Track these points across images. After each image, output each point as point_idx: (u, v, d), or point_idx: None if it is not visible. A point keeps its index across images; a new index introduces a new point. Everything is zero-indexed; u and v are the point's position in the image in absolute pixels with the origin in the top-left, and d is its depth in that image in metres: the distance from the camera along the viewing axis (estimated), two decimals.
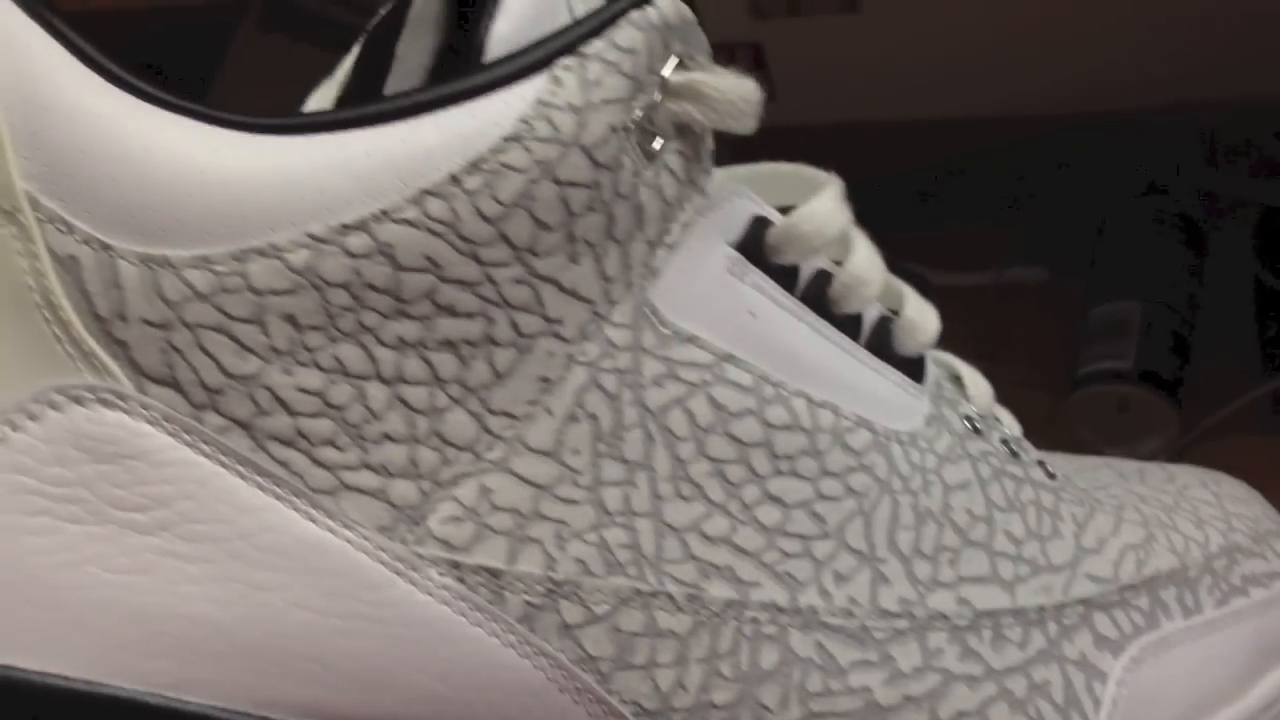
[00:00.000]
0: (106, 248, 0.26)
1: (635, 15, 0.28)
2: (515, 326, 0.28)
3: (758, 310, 0.30)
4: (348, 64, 0.32)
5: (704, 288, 0.29)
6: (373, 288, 0.27)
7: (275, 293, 0.26)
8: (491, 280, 0.27)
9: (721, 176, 0.31)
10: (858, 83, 0.56)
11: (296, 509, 0.27)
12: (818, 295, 0.31)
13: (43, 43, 0.26)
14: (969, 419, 0.33)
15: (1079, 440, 0.50)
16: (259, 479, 0.27)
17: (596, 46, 0.28)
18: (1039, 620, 0.32)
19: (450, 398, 0.27)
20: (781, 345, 0.30)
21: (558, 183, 0.27)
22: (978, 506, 0.32)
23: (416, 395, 0.27)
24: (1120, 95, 0.55)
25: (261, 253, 0.26)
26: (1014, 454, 0.34)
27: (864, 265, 0.32)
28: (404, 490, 0.28)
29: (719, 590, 0.29)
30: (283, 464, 0.27)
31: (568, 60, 0.27)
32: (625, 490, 0.29)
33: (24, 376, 0.26)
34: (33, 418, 0.27)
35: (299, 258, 0.26)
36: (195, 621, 0.27)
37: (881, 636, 0.30)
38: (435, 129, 0.27)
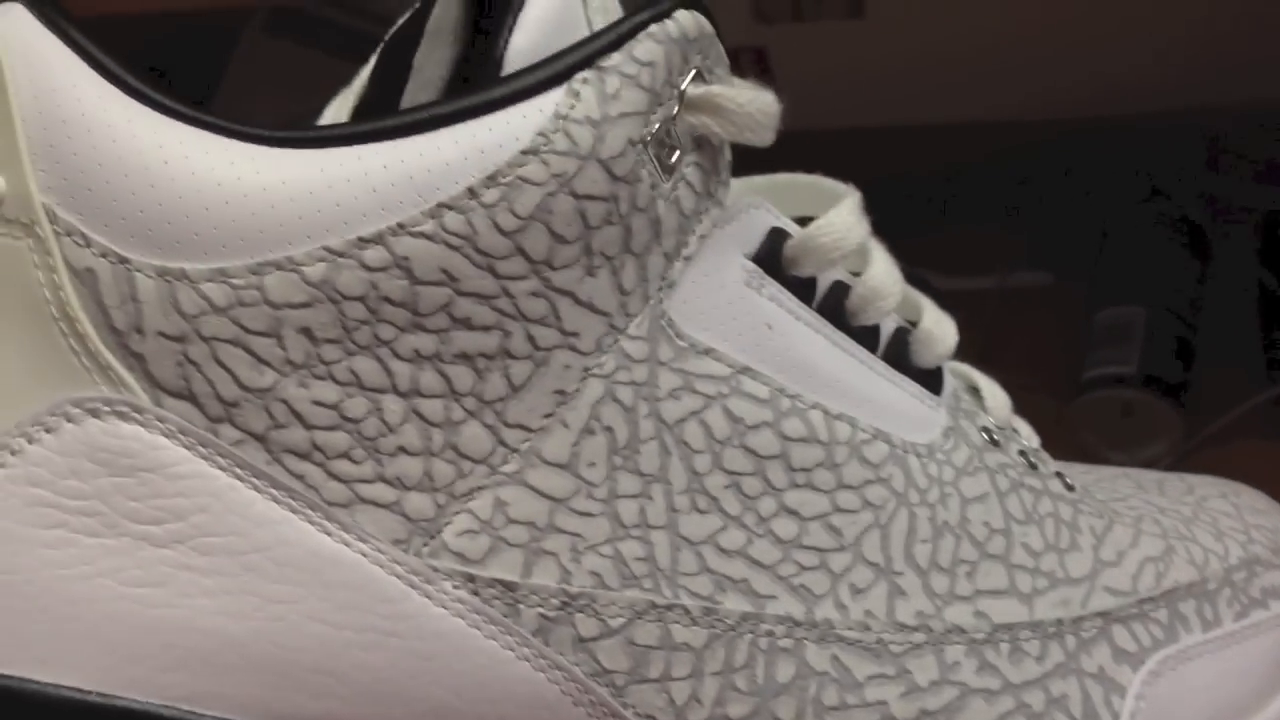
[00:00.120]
0: (124, 261, 0.26)
1: (654, 29, 0.28)
2: (531, 340, 0.28)
3: (775, 322, 0.30)
4: (365, 75, 0.31)
5: (721, 300, 0.29)
6: (389, 301, 0.27)
7: (292, 306, 0.26)
8: (508, 293, 0.27)
9: (739, 187, 0.31)
10: (862, 87, 0.56)
11: (311, 522, 0.27)
12: (835, 307, 0.31)
13: (61, 56, 0.26)
14: (987, 431, 0.33)
15: (1083, 445, 0.50)
16: (274, 492, 0.27)
17: (615, 60, 0.27)
18: (1057, 633, 0.32)
19: (466, 411, 0.27)
20: (798, 357, 0.30)
21: (575, 196, 0.27)
22: (995, 519, 0.32)
23: (432, 408, 0.27)
24: (1123, 100, 0.55)
25: (278, 266, 0.26)
26: (1032, 466, 0.34)
27: (882, 277, 0.32)
28: (419, 503, 0.27)
29: (734, 603, 0.29)
30: (298, 477, 0.27)
31: (586, 74, 0.27)
32: (641, 503, 0.29)
33: (40, 389, 0.26)
34: (49, 430, 0.26)
35: (316, 271, 0.26)
36: (209, 634, 0.27)
37: (898, 650, 0.30)
38: (453, 142, 0.27)
